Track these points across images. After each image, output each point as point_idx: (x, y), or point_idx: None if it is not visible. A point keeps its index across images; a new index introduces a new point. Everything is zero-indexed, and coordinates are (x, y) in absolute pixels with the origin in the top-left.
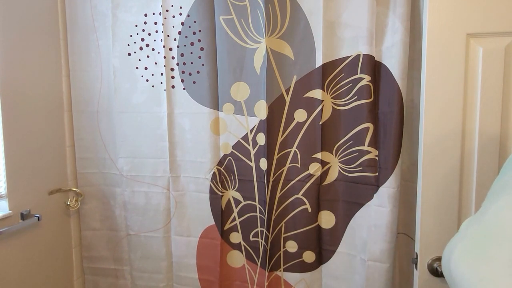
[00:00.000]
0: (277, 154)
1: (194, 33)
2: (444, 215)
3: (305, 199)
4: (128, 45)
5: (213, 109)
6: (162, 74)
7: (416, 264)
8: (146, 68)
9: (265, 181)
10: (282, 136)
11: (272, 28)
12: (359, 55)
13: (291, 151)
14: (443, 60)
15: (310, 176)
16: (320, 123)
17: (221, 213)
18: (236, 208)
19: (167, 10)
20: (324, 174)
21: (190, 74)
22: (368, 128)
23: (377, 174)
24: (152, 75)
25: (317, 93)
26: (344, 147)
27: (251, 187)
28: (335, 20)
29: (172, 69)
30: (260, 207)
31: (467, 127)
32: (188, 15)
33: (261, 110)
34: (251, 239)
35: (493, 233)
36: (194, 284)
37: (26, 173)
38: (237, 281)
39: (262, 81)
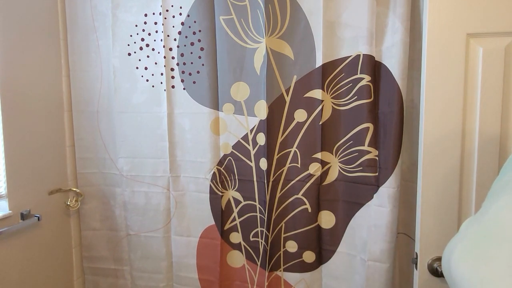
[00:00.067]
0: (277, 154)
1: (194, 33)
2: (444, 215)
3: (305, 199)
4: (128, 45)
5: (213, 109)
6: (162, 74)
7: (416, 264)
8: (146, 68)
9: (265, 181)
10: (282, 136)
11: (272, 28)
12: (359, 55)
13: (291, 151)
14: (443, 60)
15: (310, 176)
16: (320, 123)
17: (221, 213)
18: (236, 208)
19: (167, 10)
20: (324, 174)
21: (190, 74)
22: (368, 128)
23: (377, 174)
24: (152, 75)
25: (317, 93)
26: (344, 147)
27: (251, 187)
28: (335, 20)
29: (172, 69)
30: (260, 207)
31: (467, 127)
32: (188, 15)
33: (261, 110)
34: (251, 239)
35: (493, 233)
36: (194, 284)
37: (26, 173)
38: (237, 281)
39: (262, 81)
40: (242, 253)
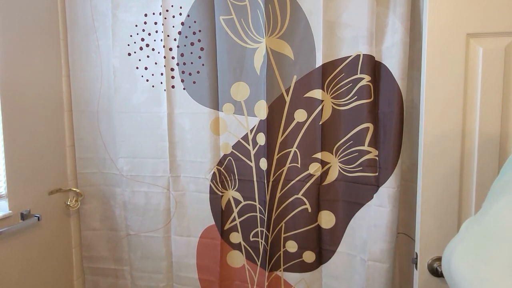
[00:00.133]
0: (277, 154)
1: (194, 33)
2: (444, 215)
3: (305, 199)
4: (128, 45)
5: (213, 109)
6: (162, 74)
7: (416, 264)
8: (146, 68)
9: (265, 181)
10: (282, 136)
11: (272, 28)
12: (359, 55)
13: (291, 151)
14: (443, 60)
15: (310, 176)
16: (320, 123)
17: (221, 213)
18: (236, 208)
19: (167, 10)
20: (324, 174)
21: (190, 74)
22: (368, 128)
23: (377, 174)
24: (152, 75)
25: (317, 93)
26: (344, 147)
27: (251, 187)
28: (335, 20)
29: (172, 69)
30: (260, 207)
31: (467, 127)
32: (188, 15)
33: (261, 110)
34: (251, 239)
35: (493, 233)
36: (194, 284)
37: (26, 173)
38: (237, 281)
39: (262, 81)
40: (242, 253)
